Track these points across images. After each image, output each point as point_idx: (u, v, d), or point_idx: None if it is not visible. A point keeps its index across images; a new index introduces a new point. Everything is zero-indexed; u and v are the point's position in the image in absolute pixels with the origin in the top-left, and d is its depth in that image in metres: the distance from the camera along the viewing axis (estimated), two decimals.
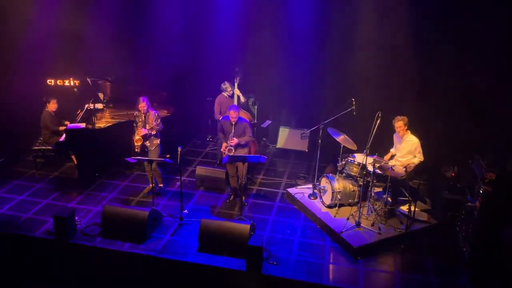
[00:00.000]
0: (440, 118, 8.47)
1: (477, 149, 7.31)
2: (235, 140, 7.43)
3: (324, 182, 7.53)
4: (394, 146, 7.41)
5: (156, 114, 7.70)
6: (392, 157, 7.32)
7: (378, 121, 6.66)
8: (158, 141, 7.73)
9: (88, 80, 8.85)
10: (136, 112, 7.65)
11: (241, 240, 6.30)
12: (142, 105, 7.51)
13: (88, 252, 6.48)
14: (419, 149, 6.99)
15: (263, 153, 9.23)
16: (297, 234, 7.02)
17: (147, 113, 7.61)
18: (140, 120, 7.59)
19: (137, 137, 7.54)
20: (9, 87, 9.47)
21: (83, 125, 8.33)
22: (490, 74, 7.79)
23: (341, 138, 7.40)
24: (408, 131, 7.05)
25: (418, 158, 6.99)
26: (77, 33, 9.71)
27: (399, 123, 7.02)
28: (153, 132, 7.62)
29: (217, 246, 6.49)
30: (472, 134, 7.92)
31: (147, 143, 7.66)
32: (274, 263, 6.27)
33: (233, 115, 7.38)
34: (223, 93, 8.78)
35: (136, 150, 7.59)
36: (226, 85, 8.76)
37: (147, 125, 7.59)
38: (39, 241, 6.65)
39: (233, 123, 7.41)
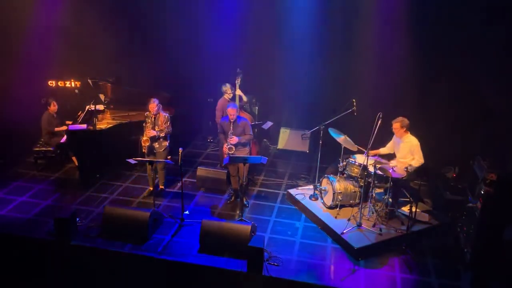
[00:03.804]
0: (441, 119, 8.47)
1: (478, 150, 7.31)
2: (234, 139, 7.41)
3: (325, 183, 7.53)
4: (390, 146, 7.40)
5: (167, 116, 7.68)
6: (393, 156, 7.32)
7: (379, 122, 6.66)
8: (166, 143, 7.72)
9: (89, 81, 8.85)
10: (147, 113, 7.65)
11: (242, 241, 6.30)
12: (153, 105, 7.50)
13: (89, 253, 6.48)
14: (418, 150, 6.97)
15: (264, 154, 9.23)
16: (298, 235, 7.02)
17: (157, 115, 7.59)
18: (149, 121, 7.58)
19: (144, 138, 7.52)
20: (10, 88, 9.48)
21: (84, 126, 8.34)
22: (491, 74, 7.79)
23: (342, 139, 7.40)
24: (408, 132, 7.05)
25: (416, 160, 6.97)
26: (78, 34, 9.73)
27: (396, 125, 7.03)
28: (162, 135, 7.60)
29: (218, 247, 6.49)
30: (473, 135, 7.91)
31: (156, 145, 7.64)
32: (275, 264, 6.27)
33: (231, 112, 7.36)
34: (224, 95, 8.73)
35: (143, 151, 7.57)
36: (226, 87, 8.66)
37: (156, 127, 7.58)
38: (40, 242, 6.66)
39: (232, 120, 7.40)
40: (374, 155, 7.25)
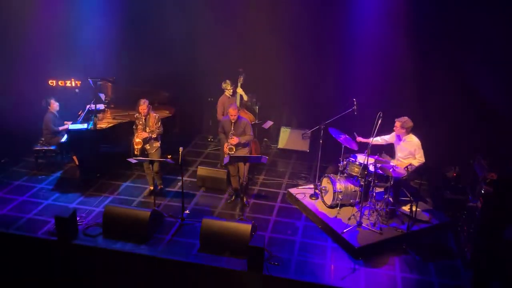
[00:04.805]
0: (441, 118, 8.47)
1: (478, 149, 7.31)
2: (235, 139, 7.43)
3: (325, 182, 7.53)
4: (387, 138, 7.38)
5: (157, 116, 7.66)
6: (394, 156, 7.32)
7: (379, 122, 6.65)
8: (158, 144, 7.70)
9: (89, 80, 8.85)
10: (136, 114, 7.62)
11: (243, 240, 6.31)
12: (143, 107, 7.47)
13: (89, 253, 6.48)
14: (419, 150, 6.96)
15: (264, 153, 9.24)
16: (299, 235, 7.02)
17: (148, 116, 7.57)
18: (140, 122, 7.56)
19: (137, 140, 7.50)
20: (11, 88, 9.48)
21: (84, 125, 8.34)
22: (491, 74, 7.79)
23: (343, 138, 7.40)
24: (409, 133, 7.02)
25: (417, 159, 6.97)
26: (78, 33, 9.73)
27: (397, 123, 7.02)
28: (154, 136, 7.58)
29: (219, 247, 6.50)
30: (473, 134, 7.91)
31: (147, 146, 7.62)
32: (276, 263, 6.28)
33: (232, 113, 7.38)
34: (225, 92, 8.77)
35: (135, 153, 7.54)
36: (226, 84, 8.71)
37: (147, 128, 7.56)
38: (41, 241, 6.66)
39: (233, 121, 7.41)
40: (365, 143, 7.20)
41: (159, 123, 7.64)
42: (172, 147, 7.84)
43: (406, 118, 6.98)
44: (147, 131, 7.53)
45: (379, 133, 6.75)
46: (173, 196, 8.00)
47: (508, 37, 7.58)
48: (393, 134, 7.30)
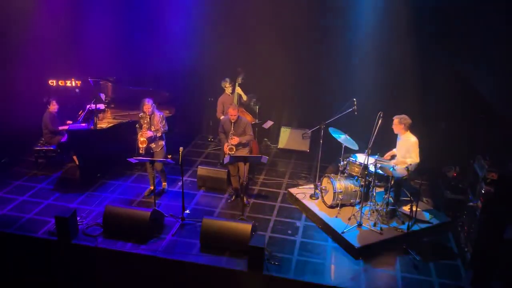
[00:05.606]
0: (442, 118, 8.47)
1: (478, 149, 7.31)
2: (236, 139, 7.44)
3: (325, 182, 7.53)
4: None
5: (162, 115, 7.68)
6: (393, 157, 7.31)
7: (380, 121, 6.65)
8: (163, 142, 7.72)
9: (90, 80, 8.86)
10: (141, 114, 7.62)
11: (243, 240, 6.31)
12: (147, 106, 7.49)
13: (89, 253, 6.49)
14: (414, 149, 6.86)
15: (264, 153, 9.24)
16: (299, 235, 7.02)
17: (152, 115, 7.59)
18: (145, 121, 7.57)
19: (142, 139, 7.52)
20: (11, 88, 9.49)
21: (85, 125, 8.35)
22: (491, 74, 7.79)
23: (343, 138, 7.40)
24: (407, 131, 7.01)
25: (412, 158, 6.85)
26: (78, 33, 9.74)
27: (395, 121, 6.98)
28: (159, 134, 7.60)
29: (219, 246, 6.50)
30: (473, 134, 7.91)
31: (152, 145, 7.63)
32: (276, 263, 6.27)
33: (232, 113, 7.41)
34: (225, 90, 8.81)
35: (140, 152, 7.56)
36: (225, 82, 8.77)
37: (152, 127, 7.58)
38: (41, 241, 6.66)
39: (233, 121, 7.42)
40: (390, 157, 7.21)
41: (164, 121, 7.67)
42: (172, 147, 7.84)
43: (404, 115, 6.95)
44: (152, 129, 7.55)
45: (380, 133, 6.72)
46: (173, 196, 8.00)
47: (508, 36, 7.57)
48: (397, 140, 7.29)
